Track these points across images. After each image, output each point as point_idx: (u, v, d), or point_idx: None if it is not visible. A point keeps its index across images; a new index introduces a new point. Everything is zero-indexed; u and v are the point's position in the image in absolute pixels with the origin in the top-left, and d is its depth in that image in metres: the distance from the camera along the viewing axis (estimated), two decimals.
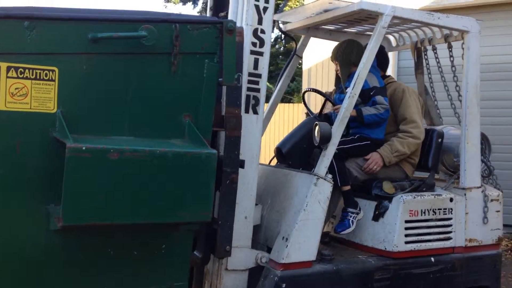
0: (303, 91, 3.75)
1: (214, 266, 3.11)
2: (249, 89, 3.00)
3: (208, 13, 3.39)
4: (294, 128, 3.73)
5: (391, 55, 4.40)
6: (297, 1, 17.84)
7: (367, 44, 3.33)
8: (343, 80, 3.66)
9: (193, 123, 2.18)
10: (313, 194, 3.05)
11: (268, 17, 3.03)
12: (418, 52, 4.23)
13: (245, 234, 3.06)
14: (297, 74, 15.37)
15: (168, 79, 2.11)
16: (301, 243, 3.01)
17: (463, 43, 3.61)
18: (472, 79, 3.57)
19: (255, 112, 3.04)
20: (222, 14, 3.25)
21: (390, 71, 6.94)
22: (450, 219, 3.48)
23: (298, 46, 4.18)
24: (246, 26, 2.99)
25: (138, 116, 2.09)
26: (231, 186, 2.66)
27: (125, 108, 2.06)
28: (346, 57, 3.66)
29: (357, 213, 3.38)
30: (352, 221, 3.35)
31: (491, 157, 3.93)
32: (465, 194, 3.54)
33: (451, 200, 3.49)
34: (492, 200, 3.64)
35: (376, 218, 3.42)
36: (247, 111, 3.02)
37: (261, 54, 3.03)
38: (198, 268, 3.25)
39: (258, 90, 3.04)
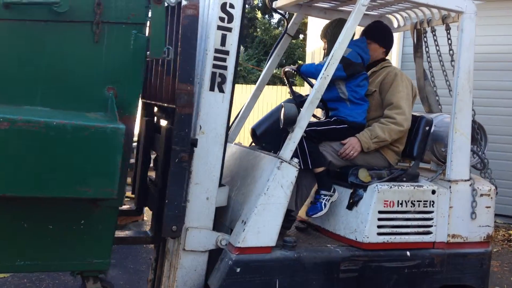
0: (284, 70, 3.60)
1: (174, 245, 3.06)
2: (215, 66, 2.90)
3: None
4: (272, 109, 3.60)
5: (395, 40, 4.16)
6: None
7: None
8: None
9: (118, 96, 2.10)
10: (275, 178, 2.93)
11: None
12: (418, 34, 3.99)
13: (206, 215, 2.98)
14: (300, 57, 15.00)
15: (90, 49, 2.04)
16: (260, 228, 2.90)
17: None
18: (465, 64, 3.32)
19: (221, 91, 2.94)
20: None
21: (394, 57, 6.72)
22: (431, 212, 3.28)
23: (289, 25, 4.02)
24: (213, 0, 2.88)
25: (54, 87, 2.03)
26: (180, 165, 2.58)
27: (39, 78, 1.99)
28: (335, 36, 3.45)
29: (331, 196, 3.24)
30: (324, 203, 3.21)
31: (487, 150, 3.66)
32: (450, 187, 3.31)
33: (433, 192, 3.28)
34: (481, 195, 3.40)
35: (350, 206, 3.26)
36: (212, 89, 2.92)
37: (229, 29, 2.91)
38: (161, 247, 3.23)
39: (225, 68, 2.92)
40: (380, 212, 3.15)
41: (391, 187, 3.18)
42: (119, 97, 2.09)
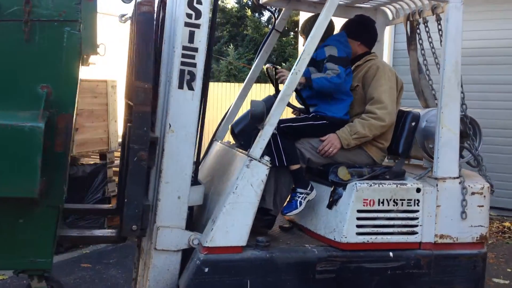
0: (265, 67, 3.52)
1: (147, 245, 3.05)
2: (183, 63, 2.86)
3: None
4: None
5: (386, 34, 4.03)
6: None
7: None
8: None
9: (53, 95, 2.09)
10: (244, 176, 2.87)
11: None
12: (412, 26, 3.82)
13: (178, 215, 2.95)
14: (291, 55, 14.69)
15: (21, 47, 2.04)
16: (229, 227, 2.85)
17: None
18: (451, 55, 3.15)
19: (191, 88, 2.90)
20: None
21: (386, 52, 6.55)
22: (416, 211, 3.12)
23: (277, 20, 3.94)
24: None
25: None
26: (139, 163, 2.56)
27: None
28: None
29: (307, 193, 3.14)
30: (300, 201, 3.12)
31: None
32: (437, 185, 3.15)
33: (417, 190, 3.12)
34: (473, 193, 3.21)
35: (330, 205, 3.16)
36: (181, 87, 2.88)
37: (197, 26, 2.86)
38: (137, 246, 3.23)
39: (194, 65, 2.88)
40: (359, 211, 3.03)
41: (370, 185, 3.06)
42: (54, 96, 2.09)
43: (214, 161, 3.57)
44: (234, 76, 14.20)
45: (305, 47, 2.93)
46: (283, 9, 3.95)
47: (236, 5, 17.25)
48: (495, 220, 6.74)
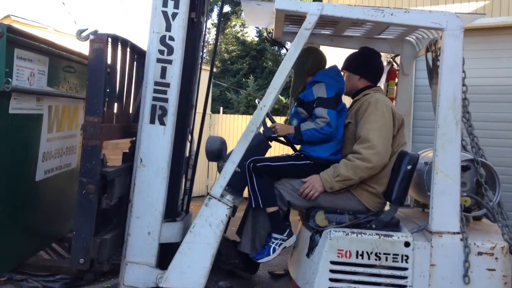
0: (256, 100, 3.39)
1: (119, 279, 3.05)
2: (155, 98, 2.90)
3: None
4: None
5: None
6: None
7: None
8: (294, 91, 3.21)
9: None
10: (202, 215, 2.76)
11: (178, 23, 2.89)
12: (432, 57, 3.41)
13: (148, 251, 2.92)
14: None
15: None
16: (184, 268, 2.75)
17: None
18: (448, 89, 2.74)
19: (162, 123, 2.91)
20: None
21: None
22: (404, 269, 2.71)
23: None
24: (153, 33, 2.91)
25: None
26: (87, 196, 2.60)
27: None
28: (301, 66, 3.20)
29: (283, 240, 2.90)
30: (274, 248, 2.89)
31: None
32: (431, 240, 2.71)
33: (406, 244, 2.71)
34: (480, 254, 2.70)
35: (307, 253, 2.89)
36: (152, 122, 2.91)
37: (169, 62, 2.90)
38: None
39: (165, 100, 2.90)
40: (333, 262, 2.72)
41: (347, 234, 2.73)
42: None
43: None
44: (253, 107, 14.34)
45: (272, 81, 2.77)
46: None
47: (256, 39, 17.73)
48: None
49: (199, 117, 3.46)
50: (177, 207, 3.24)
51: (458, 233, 2.71)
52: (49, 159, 2.96)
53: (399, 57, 3.88)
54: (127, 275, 2.88)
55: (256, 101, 3.38)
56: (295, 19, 3.15)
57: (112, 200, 2.85)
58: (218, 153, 2.72)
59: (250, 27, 16.65)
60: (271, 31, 3.76)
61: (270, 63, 15.94)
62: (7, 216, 2.57)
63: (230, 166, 2.77)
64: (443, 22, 2.73)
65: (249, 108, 14.04)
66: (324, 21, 3.37)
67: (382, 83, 4.28)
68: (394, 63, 4.00)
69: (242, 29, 16.58)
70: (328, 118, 2.91)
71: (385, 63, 4.22)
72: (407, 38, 3.72)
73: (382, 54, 3.59)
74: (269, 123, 3.10)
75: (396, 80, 3.93)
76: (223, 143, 2.73)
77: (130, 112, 3.24)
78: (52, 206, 3.06)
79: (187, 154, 3.33)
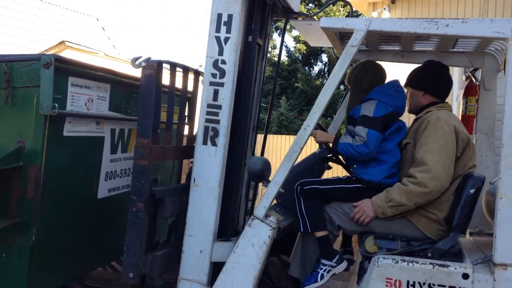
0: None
1: None
2: (207, 120, 2.98)
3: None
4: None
5: None
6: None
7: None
8: (350, 109, 3.08)
9: (26, 148, 2.45)
10: (246, 236, 2.75)
11: (230, 47, 2.96)
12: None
13: (200, 269, 2.97)
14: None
15: (3, 110, 2.47)
16: None
17: None
18: None
19: (214, 144, 2.97)
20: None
21: None
22: None
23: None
24: (207, 58, 3.01)
25: None
26: (137, 214, 2.73)
27: None
28: (358, 82, 3.08)
29: (332, 266, 2.78)
30: (322, 274, 2.78)
31: None
32: (493, 272, 2.41)
33: (465, 276, 2.45)
34: None
35: (357, 281, 2.73)
36: (205, 143, 2.99)
37: (221, 84, 2.97)
38: None
39: (217, 122, 2.97)
40: None
41: (397, 262, 2.53)
42: (27, 149, 2.45)
43: None
44: (285, 127, 14.04)
45: (317, 100, 2.70)
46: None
47: (287, 59, 17.39)
48: None
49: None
50: (234, 226, 3.26)
51: None
52: (113, 178, 3.17)
53: (480, 71, 3.57)
54: None
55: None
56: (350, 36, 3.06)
57: (168, 218, 2.97)
58: (260, 173, 2.70)
59: (283, 48, 16.64)
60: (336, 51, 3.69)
61: (301, 83, 15.87)
62: (68, 230, 2.80)
63: (274, 187, 2.74)
64: (507, 31, 2.46)
65: (280, 128, 14.02)
66: (388, 37, 3.23)
67: (459, 100, 3.97)
68: (473, 78, 3.69)
69: (272, 49, 16.71)
70: (365, 138, 2.76)
71: (463, 78, 3.91)
72: (487, 50, 3.41)
73: (461, 68, 3.33)
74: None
75: (477, 96, 3.61)
76: (266, 164, 2.71)
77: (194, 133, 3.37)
78: (116, 224, 3.26)
79: None
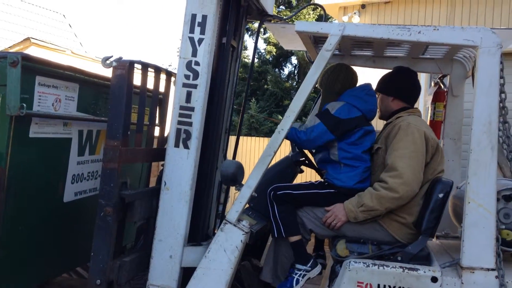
0: None
1: None
2: (180, 122, 2.93)
3: None
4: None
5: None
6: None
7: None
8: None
9: None
10: (217, 241, 2.72)
11: (204, 48, 2.92)
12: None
13: (169, 274, 2.91)
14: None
15: None
16: None
17: None
18: (482, 112, 2.50)
19: (186, 147, 2.93)
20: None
21: None
22: None
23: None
24: (180, 59, 2.97)
25: None
26: (105, 218, 2.66)
27: None
28: (330, 85, 3.10)
29: (307, 270, 2.78)
30: (297, 279, 2.77)
31: None
32: (461, 276, 2.46)
33: (433, 279, 2.49)
34: None
35: (329, 284, 2.74)
36: (177, 145, 2.93)
37: (194, 86, 2.92)
38: None
39: (190, 124, 2.92)
40: None
41: (368, 266, 2.55)
42: None
43: None
44: (255, 129, 14.19)
45: (291, 104, 2.70)
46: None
47: (257, 61, 17.48)
48: None
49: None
50: (205, 230, 3.22)
51: (493, 269, 2.44)
52: (80, 181, 3.09)
53: (448, 77, 3.65)
54: None
55: None
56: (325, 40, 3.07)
57: (137, 222, 2.90)
58: (233, 177, 2.68)
59: (248, 50, 16.65)
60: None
61: (271, 85, 15.96)
62: (33, 234, 2.70)
63: (247, 191, 2.71)
64: (477, 39, 2.52)
65: (251, 130, 14.04)
66: (360, 42, 3.26)
67: (427, 105, 4.04)
68: (441, 84, 3.76)
69: (243, 51, 16.80)
70: (312, 129, 2.81)
71: (432, 84, 3.98)
72: (456, 57, 3.48)
73: (430, 74, 3.38)
74: None
75: (445, 102, 3.68)
76: (238, 167, 2.69)
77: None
78: (82, 228, 3.17)
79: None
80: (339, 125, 2.85)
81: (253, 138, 10.75)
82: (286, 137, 2.87)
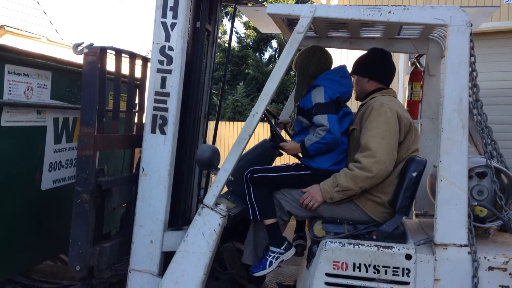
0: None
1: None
2: (155, 108, 2.92)
3: None
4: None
5: None
6: None
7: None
8: (297, 96, 3.10)
9: None
10: (196, 225, 2.74)
11: (177, 33, 2.90)
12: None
13: (150, 259, 2.94)
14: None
15: None
16: (178, 278, 2.73)
17: None
18: (452, 90, 2.52)
19: (163, 132, 2.93)
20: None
21: None
22: (405, 283, 2.52)
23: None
24: (154, 44, 2.95)
25: None
26: (82, 205, 2.67)
27: None
28: (304, 69, 3.10)
29: (280, 253, 2.81)
30: (271, 261, 2.81)
31: None
32: (435, 253, 2.51)
33: (408, 257, 2.53)
34: (491, 268, 2.46)
35: (307, 265, 2.78)
36: (153, 131, 2.93)
37: (168, 72, 2.91)
38: None
39: (166, 110, 2.92)
40: (328, 275, 2.59)
41: (343, 245, 2.59)
42: None
43: None
44: (239, 113, 14.08)
45: (264, 87, 2.70)
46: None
47: (238, 45, 17.42)
48: None
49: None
50: (187, 215, 3.24)
51: (465, 245, 2.48)
52: (58, 169, 3.08)
53: (424, 57, 3.66)
54: (130, 282, 2.92)
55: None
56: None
57: (116, 209, 2.91)
58: (208, 161, 2.68)
59: (227, 34, 16.56)
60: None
61: (252, 69, 15.86)
62: (11, 223, 2.70)
63: (223, 175, 2.73)
64: (447, 18, 2.53)
65: (235, 114, 13.94)
66: (335, 23, 3.26)
67: (405, 85, 4.07)
68: (418, 64, 3.78)
69: (222, 35, 16.63)
70: (327, 125, 2.78)
71: (409, 64, 4.00)
72: (431, 36, 3.49)
73: (407, 54, 3.39)
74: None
75: (422, 82, 3.70)
76: (214, 151, 2.69)
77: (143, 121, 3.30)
78: (63, 216, 3.18)
79: None
80: (336, 105, 2.90)
81: (235, 123, 10.74)
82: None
